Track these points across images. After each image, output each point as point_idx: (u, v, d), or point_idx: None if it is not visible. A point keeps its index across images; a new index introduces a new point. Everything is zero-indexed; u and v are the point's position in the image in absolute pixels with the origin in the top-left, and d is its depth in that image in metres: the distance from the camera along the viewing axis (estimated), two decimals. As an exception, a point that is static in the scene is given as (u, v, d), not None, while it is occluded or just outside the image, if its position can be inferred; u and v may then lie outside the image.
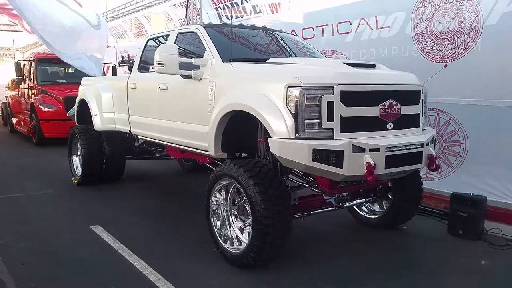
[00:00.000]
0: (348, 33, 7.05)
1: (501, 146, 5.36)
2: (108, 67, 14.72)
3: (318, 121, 3.64)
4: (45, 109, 11.98)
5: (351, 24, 7.00)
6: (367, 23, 6.72)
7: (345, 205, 4.80)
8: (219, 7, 10.09)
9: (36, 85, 12.72)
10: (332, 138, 3.66)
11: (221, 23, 6.53)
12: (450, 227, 5.24)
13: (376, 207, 5.47)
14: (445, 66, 5.80)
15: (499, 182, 5.41)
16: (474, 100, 5.54)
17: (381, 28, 6.52)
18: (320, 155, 3.59)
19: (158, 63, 4.64)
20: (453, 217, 5.19)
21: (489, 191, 5.34)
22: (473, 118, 5.61)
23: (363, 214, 5.51)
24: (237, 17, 9.67)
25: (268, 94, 3.89)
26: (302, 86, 3.65)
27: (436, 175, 5.99)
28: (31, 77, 13.11)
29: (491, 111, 5.39)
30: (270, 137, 3.83)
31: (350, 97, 3.70)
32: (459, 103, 5.72)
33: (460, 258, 4.56)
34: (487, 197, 5.20)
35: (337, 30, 7.24)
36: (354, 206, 5.38)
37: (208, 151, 4.71)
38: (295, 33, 7.52)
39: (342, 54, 6.77)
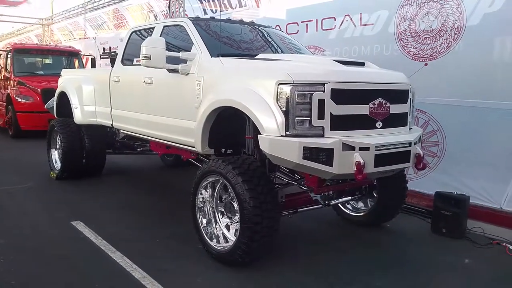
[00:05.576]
0: (332, 29, 7.04)
1: (479, 147, 5.42)
2: (87, 59, 14.44)
3: (309, 118, 3.61)
4: (22, 100, 11.71)
5: (335, 20, 6.99)
6: (351, 20, 6.72)
7: (331, 203, 4.78)
8: (204, 0, 9.98)
9: (12, 76, 12.38)
10: (323, 136, 3.63)
11: (209, 17, 6.43)
12: (434, 225, 5.29)
13: (360, 205, 5.48)
14: (425, 64, 5.83)
15: (477, 183, 5.47)
16: (454, 100, 5.58)
17: (365, 25, 6.52)
18: (310, 153, 3.56)
19: (145, 56, 4.53)
20: (437, 215, 5.24)
21: (466, 192, 5.34)
22: (452, 118, 5.65)
23: (348, 211, 5.52)
24: (221, 11, 9.58)
25: (258, 91, 3.84)
26: (293, 83, 3.61)
27: (413, 175, 6.04)
28: (8, 67, 12.76)
29: (471, 112, 5.43)
30: (259, 133, 3.79)
31: (341, 95, 3.68)
32: (439, 103, 5.75)
33: (444, 256, 4.60)
34: (470, 196, 5.27)
35: (321, 26, 7.23)
36: (339, 204, 5.38)
37: (194, 147, 4.64)
38: (280, 27, 7.50)
39: (324, 50, 6.76)
